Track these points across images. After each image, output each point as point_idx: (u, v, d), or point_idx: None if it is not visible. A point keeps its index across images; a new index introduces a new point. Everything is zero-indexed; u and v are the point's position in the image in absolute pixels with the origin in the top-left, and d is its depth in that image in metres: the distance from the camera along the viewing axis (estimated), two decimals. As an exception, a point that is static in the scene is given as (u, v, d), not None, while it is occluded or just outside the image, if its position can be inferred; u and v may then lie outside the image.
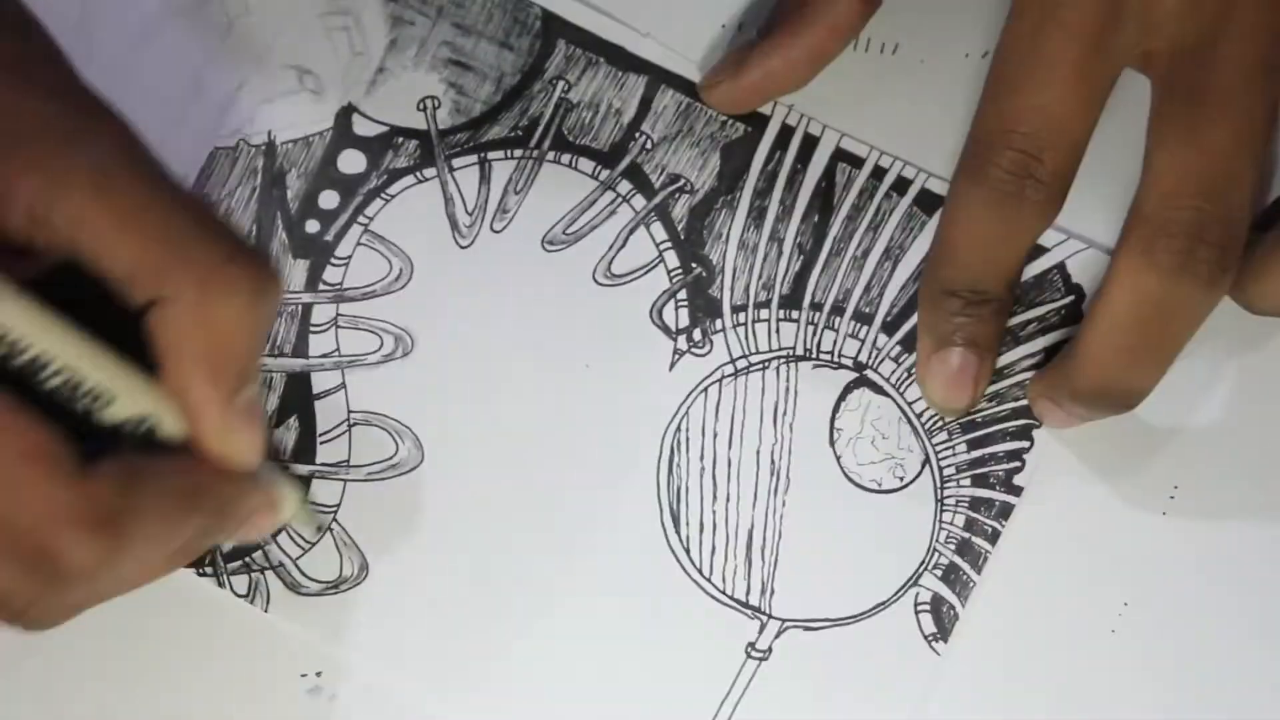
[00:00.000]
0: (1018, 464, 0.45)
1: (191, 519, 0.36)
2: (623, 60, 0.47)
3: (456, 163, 0.46)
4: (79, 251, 0.33)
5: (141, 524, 0.34)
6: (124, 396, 0.35)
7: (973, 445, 0.45)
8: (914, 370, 0.45)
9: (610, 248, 0.46)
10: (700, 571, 0.44)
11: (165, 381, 0.35)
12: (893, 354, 0.45)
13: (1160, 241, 0.41)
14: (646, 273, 0.46)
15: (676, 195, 0.46)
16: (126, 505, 0.33)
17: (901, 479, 0.45)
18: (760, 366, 0.45)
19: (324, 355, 0.44)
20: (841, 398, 0.45)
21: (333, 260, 0.45)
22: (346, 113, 0.46)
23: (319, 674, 0.43)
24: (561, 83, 0.47)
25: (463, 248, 0.45)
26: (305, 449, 0.44)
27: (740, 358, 0.45)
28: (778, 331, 0.45)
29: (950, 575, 0.44)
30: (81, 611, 0.36)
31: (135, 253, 0.33)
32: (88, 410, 0.34)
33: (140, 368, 0.35)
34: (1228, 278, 0.41)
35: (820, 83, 0.46)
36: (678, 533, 0.44)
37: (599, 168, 0.46)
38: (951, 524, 0.44)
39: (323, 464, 0.44)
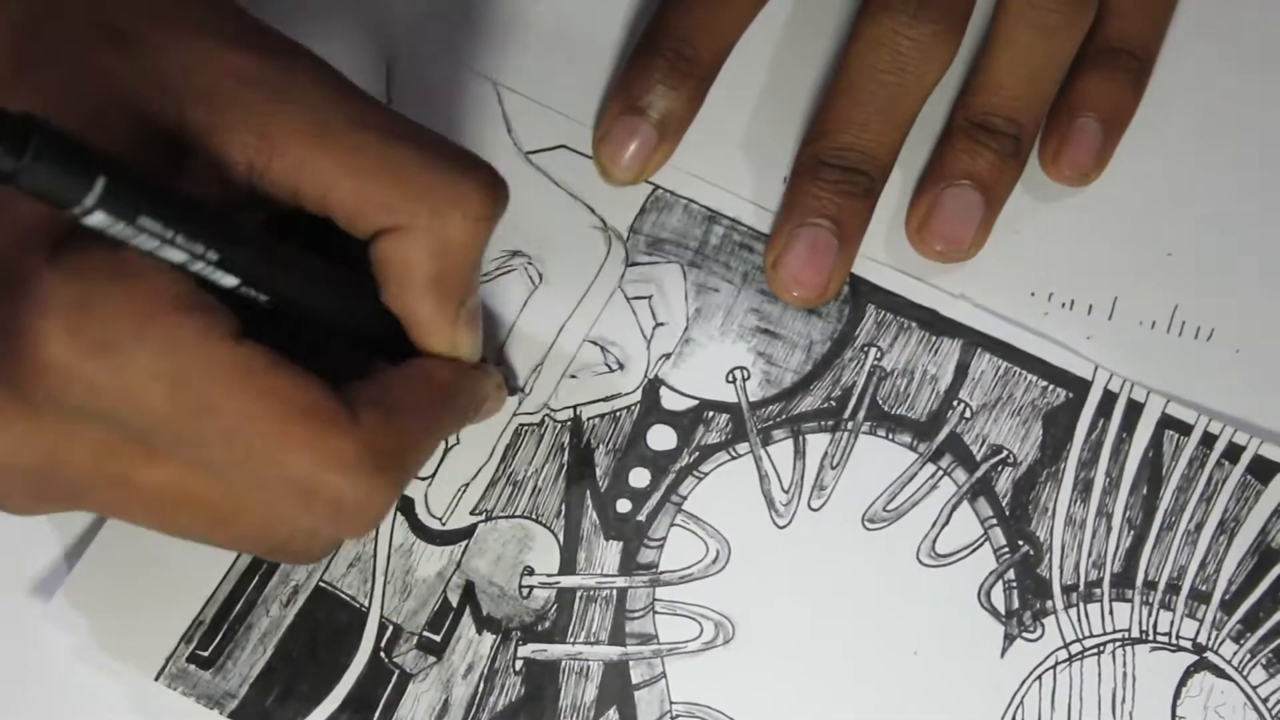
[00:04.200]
0: (1383, 759, 0.42)
1: (446, 422, 0.37)
2: (935, 324, 0.45)
3: (769, 437, 0.44)
4: (301, 198, 0.33)
5: (413, 447, 0.34)
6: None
7: (1331, 738, 0.42)
8: (1256, 651, 0.43)
9: (934, 525, 0.44)
10: None
11: (392, 302, 0.36)
12: (1234, 634, 0.43)
13: None
14: (972, 552, 0.44)
15: (999, 468, 0.44)
16: (398, 438, 0.34)
17: (1254, 773, 0.42)
18: (1095, 651, 0.43)
19: (642, 643, 0.43)
20: (1182, 683, 0.43)
21: (646, 542, 0.43)
22: (654, 386, 0.45)
23: None
24: (873, 350, 0.45)
25: (780, 527, 0.44)
26: (622, 742, 0.42)
27: (1074, 642, 0.43)
28: (1111, 613, 0.43)
29: None
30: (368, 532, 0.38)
31: (361, 191, 0.33)
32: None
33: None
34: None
35: (1129, 364, 0.45)
36: (1018, 832, 0.42)
37: (917, 439, 0.44)
38: (1312, 824, 0.42)
39: (642, 759, 0.42)
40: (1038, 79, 0.45)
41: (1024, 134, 0.45)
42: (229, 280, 0.32)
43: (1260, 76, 0.49)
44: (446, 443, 0.44)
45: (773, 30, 0.48)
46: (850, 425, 0.44)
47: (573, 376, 0.44)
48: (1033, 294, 0.46)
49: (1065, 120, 0.46)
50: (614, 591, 0.43)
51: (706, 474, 0.44)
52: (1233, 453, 0.44)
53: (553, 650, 0.42)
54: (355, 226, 0.35)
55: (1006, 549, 0.43)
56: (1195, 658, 0.43)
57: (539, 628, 0.42)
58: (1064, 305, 0.46)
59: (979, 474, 0.44)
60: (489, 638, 0.42)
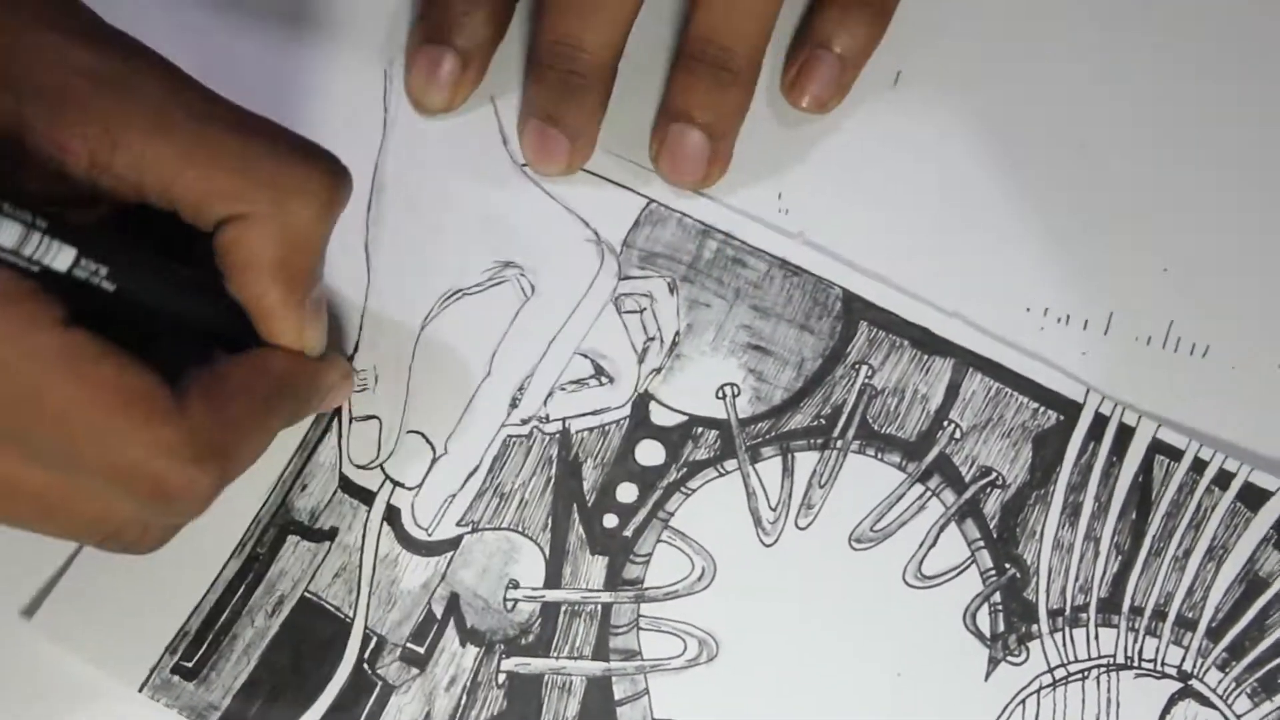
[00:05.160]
0: (1364, 792, 0.42)
1: (282, 412, 0.37)
2: (927, 343, 0.45)
3: (758, 454, 0.44)
4: (144, 191, 0.34)
5: (241, 437, 0.35)
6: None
7: (1312, 769, 0.42)
8: (1241, 679, 0.43)
9: (920, 546, 0.44)
10: None
11: (239, 291, 0.36)
12: (1219, 662, 0.43)
13: None
14: (958, 574, 0.44)
15: (988, 490, 0.44)
16: (225, 427, 0.34)
17: (1235, 803, 0.42)
18: (1080, 676, 0.43)
19: (625, 659, 0.43)
20: (1166, 710, 0.43)
21: (632, 557, 0.43)
22: (643, 401, 0.45)
23: None
24: (865, 367, 0.45)
25: (767, 545, 0.44)
26: (604, 756, 0.43)
27: (1058, 666, 0.43)
28: (1097, 638, 0.43)
29: None
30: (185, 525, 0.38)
31: (203, 181, 0.34)
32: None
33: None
34: None
35: (1124, 380, 0.45)
36: None
37: (906, 459, 0.44)
38: None
39: (623, 774, 0.43)
40: (754, 5, 0.46)
41: (741, 63, 0.46)
42: (61, 264, 0.32)
43: (1257, 88, 0.49)
44: (434, 452, 0.44)
45: (771, 46, 0.48)
46: (839, 444, 0.44)
47: (562, 389, 0.44)
48: (1028, 309, 0.46)
49: (804, 52, 0.47)
50: (599, 606, 0.43)
51: (694, 490, 0.44)
52: (1223, 479, 0.44)
53: (536, 664, 0.42)
54: (199, 217, 0.35)
55: (993, 571, 0.43)
56: (1180, 685, 0.43)
57: (523, 641, 0.42)
58: (1059, 320, 0.46)
59: (967, 495, 0.44)
60: (472, 650, 0.42)
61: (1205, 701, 0.43)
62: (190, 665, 0.41)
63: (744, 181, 0.47)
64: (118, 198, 0.35)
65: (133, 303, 0.35)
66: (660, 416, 0.44)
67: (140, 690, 0.41)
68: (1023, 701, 0.43)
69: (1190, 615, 0.43)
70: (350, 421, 0.44)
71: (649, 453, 0.44)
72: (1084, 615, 0.43)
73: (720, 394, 0.45)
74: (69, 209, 0.34)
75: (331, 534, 0.43)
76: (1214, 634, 0.43)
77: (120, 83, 0.34)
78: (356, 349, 0.44)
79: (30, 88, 0.33)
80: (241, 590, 0.42)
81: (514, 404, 0.44)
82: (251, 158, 0.35)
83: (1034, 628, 0.43)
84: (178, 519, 0.36)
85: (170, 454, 0.33)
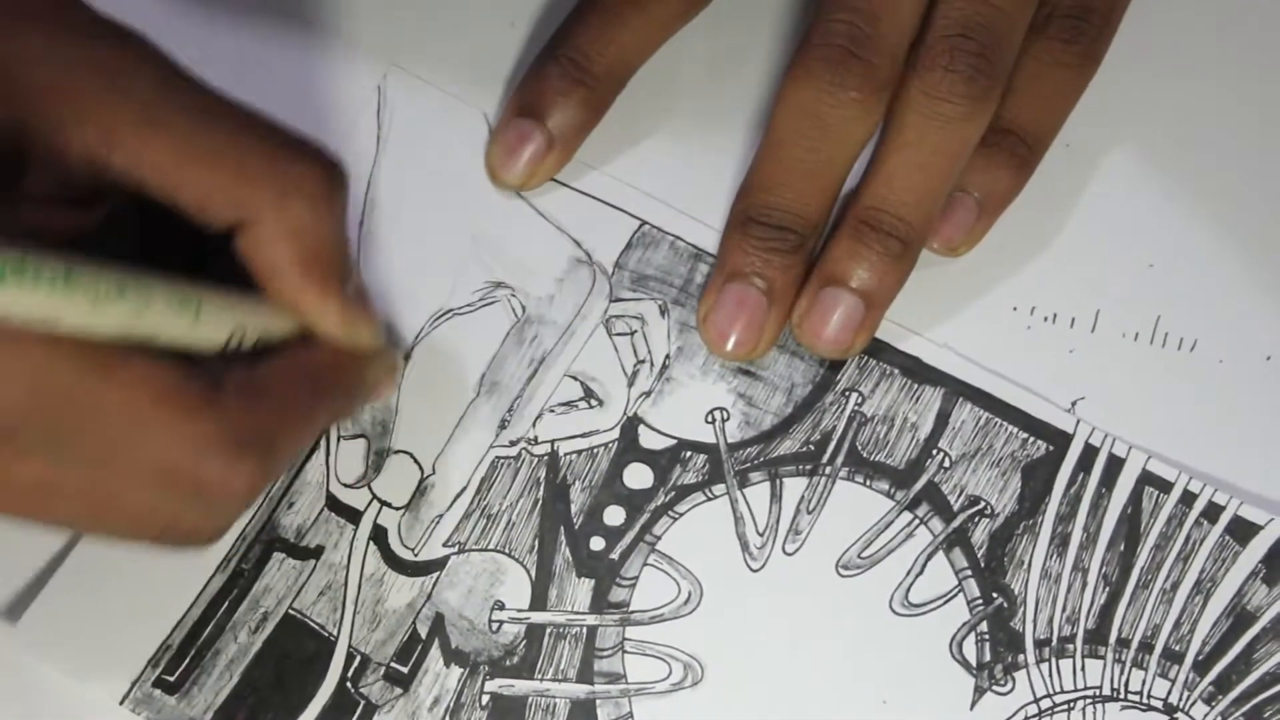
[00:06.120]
0: (1350, 828, 0.42)
1: (325, 406, 0.37)
2: (918, 371, 0.45)
3: (746, 479, 0.44)
4: (146, 188, 0.33)
5: (281, 429, 0.35)
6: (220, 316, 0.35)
7: (1299, 804, 0.42)
8: (1228, 714, 0.43)
9: (908, 574, 0.44)
10: None
11: (276, 297, 0.36)
12: (1206, 696, 0.43)
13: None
14: (945, 602, 0.43)
15: (976, 519, 0.44)
16: (263, 420, 0.34)
17: (1221, 837, 0.42)
18: (1065, 707, 0.43)
19: (610, 682, 0.42)
20: (1152, 743, 0.43)
21: (619, 580, 0.43)
22: (632, 424, 0.45)
23: None
24: (855, 395, 0.45)
25: (754, 570, 0.43)
26: (586, 780, 0.42)
27: (1044, 697, 0.43)
28: (1083, 669, 0.43)
29: None
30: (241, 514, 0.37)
31: (202, 183, 0.33)
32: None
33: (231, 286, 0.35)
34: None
35: (1113, 377, 0.45)
36: None
37: (894, 487, 0.44)
38: None
39: (605, 799, 0.42)
40: (928, 172, 0.43)
41: (913, 233, 0.43)
42: None
43: (1236, 84, 0.49)
44: (422, 472, 0.44)
45: (762, 72, 0.48)
46: (828, 470, 0.44)
47: (552, 411, 0.44)
48: (1015, 308, 0.46)
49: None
50: (584, 629, 0.43)
51: (682, 514, 0.44)
52: (1212, 512, 0.44)
53: (520, 686, 0.42)
54: (205, 219, 0.35)
55: (980, 600, 0.43)
56: (1166, 718, 0.43)
57: (507, 663, 0.42)
58: (1046, 319, 0.46)
59: (955, 524, 0.44)
60: (456, 671, 0.42)
61: (1191, 735, 0.43)
62: (172, 679, 0.41)
63: (737, 206, 0.47)
64: (123, 195, 0.34)
65: None
66: (649, 440, 0.44)
67: (121, 703, 0.41)
68: (1008, 732, 0.42)
69: (1177, 648, 0.43)
70: (339, 440, 0.44)
71: (637, 476, 0.44)
72: (1071, 646, 0.43)
73: (710, 418, 0.45)
74: (77, 208, 0.34)
75: (317, 552, 0.43)
76: (1201, 667, 0.43)
77: (114, 77, 0.33)
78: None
79: (27, 87, 0.32)
80: (225, 606, 0.42)
81: (503, 425, 0.44)
82: (245, 156, 0.34)
83: (1020, 658, 0.43)
84: (218, 516, 0.36)
85: (205, 448, 0.33)
